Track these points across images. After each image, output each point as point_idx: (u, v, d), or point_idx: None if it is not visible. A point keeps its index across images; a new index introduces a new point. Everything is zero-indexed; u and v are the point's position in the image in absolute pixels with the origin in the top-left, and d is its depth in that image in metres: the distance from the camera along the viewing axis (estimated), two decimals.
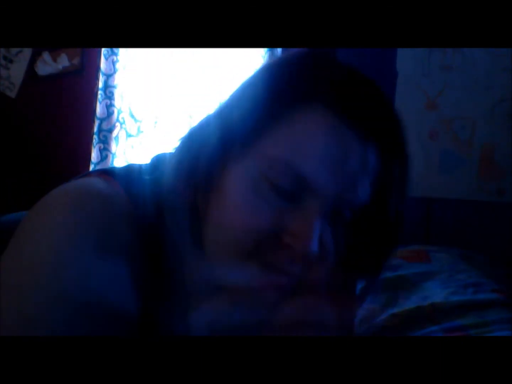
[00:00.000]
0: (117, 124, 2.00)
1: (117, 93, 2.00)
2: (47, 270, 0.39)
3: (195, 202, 0.45)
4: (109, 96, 2.01)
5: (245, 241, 0.42)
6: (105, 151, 2.01)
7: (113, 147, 2.01)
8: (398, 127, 0.45)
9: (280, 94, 0.44)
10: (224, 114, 0.46)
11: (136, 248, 0.44)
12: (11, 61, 2.28)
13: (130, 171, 0.49)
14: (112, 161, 2.00)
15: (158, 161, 0.50)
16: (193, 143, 0.47)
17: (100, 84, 2.03)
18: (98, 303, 0.40)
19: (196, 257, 0.47)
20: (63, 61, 2.21)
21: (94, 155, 2.02)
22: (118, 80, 2.01)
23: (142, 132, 2.03)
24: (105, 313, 0.40)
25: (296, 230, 0.41)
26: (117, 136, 2.01)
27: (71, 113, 2.20)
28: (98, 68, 2.06)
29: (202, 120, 0.49)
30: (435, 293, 0.96)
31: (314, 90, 0.43)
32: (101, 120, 2.02)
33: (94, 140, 2.03)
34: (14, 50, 2.28)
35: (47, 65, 2.24)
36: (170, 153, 0.49)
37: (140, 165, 0.51)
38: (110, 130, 2.01)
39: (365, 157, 0.43)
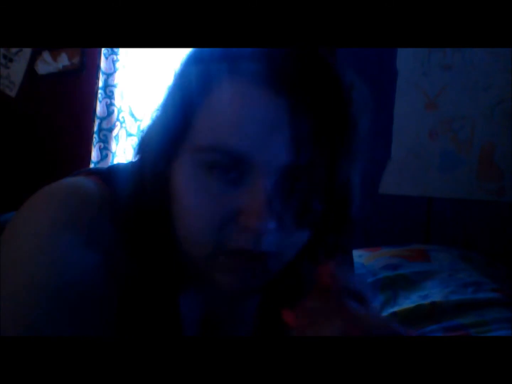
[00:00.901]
0: (117, 123, 2.00)
1: (117, 92, 2.00)
2: (29, 267, 0.39)
3: (156, 206, 0.46)
4: (109, 95, 2.01)
5: (205, 238, 0.43)
6: (105, 150, 2.01)
7: (113, 146, 2.01)
8: (322, 81, 0.42)
9: (193, 82, 0.44)
10: (157, 116, 0.47)
11: (118, 242, 0.45)
12: (11, 60, 2.28)
13: (117, 171, 0.50)
14: (112, 160, 2.00)
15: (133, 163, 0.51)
16: (142, 145, 0.48)
17: (100, 83, 2.03)
18: (81, 296, 0.40)
19: (174, 252, 0.48)
20: (63, 60, 2.21)
21: (94, 154, 2.02)
22: (118, 79, 2.01)
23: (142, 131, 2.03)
24: (89, 304, 0.41)
25: (246, 208, 0.41)
26: (117, 135, 2.01)
27: (71, 112, 2.20)
28: (98, 67, 2.06)
29: (148, 123, 0.49)
30: (435, 292, 0.97)
31: (224, 66, 0.43)
32: (101, 119, 2.02)
33: (94, 139, 2.03)
34: (14, 49, 2.28)
35: (47, 64, 2.24)
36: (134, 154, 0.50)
37: (125, 164, 0.52)
38: (110, 129, 2.01)
39: (292, 119, 0.41)
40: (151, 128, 0.48)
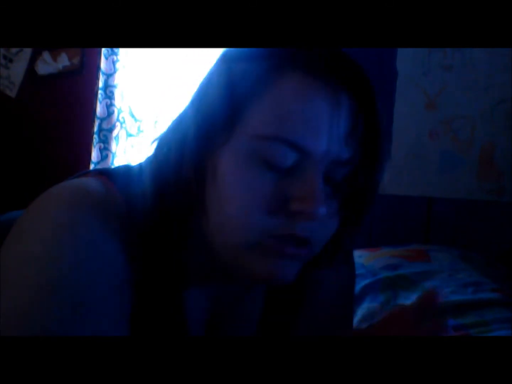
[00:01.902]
0: (117, 123, 2.01)
1: (117, 93, 2.00)
2: (39, 268, 0.39)
3: (188, 197, 0.46)
4: (109, 95, 2.02)
5: (254, 223, 0.43)
6: (105, 150, 2.02)
7: (113, 146, 2.01)
8: (369, 80, 0.46)
9: (255, 70, 0.44)
10: (201, 102, 0.46)
11: (130, 246, 0.44)
12: (11, 61, 2.28)
13: (125, 172, 0.50)
14: (112, 160, 2.00)
15: (151, 161, 0.50)
16: (174, 138, 0.47)
17: (100, 84, 2.03)
18: (90, 299, 0.40)
19: (197, 250, 0.48)
20: (63, 61, 2.21)
21: (94, 155, 2.02)
22: (118, 79, 2.01)
23: (142, 131, 2.03)
24: (98, 308, 0.40)
25: (302, 195, 0.42)
26: (117, 136, 2.01)
27: (71, 113, 2.20)
28: (98, 67, 2.06)
29: (179, 114, 0.49)
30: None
31: (287, 59, 0.44)
32: (101, 119, 2.02)
33: (94, 140, 2.03)
34: (14, 49, 2.28)
35: (47, 65, 2.24)
36: (156, 152, 0.49)
37: (135, 166, 0.51)
38: (110, 130, 2.01)
39: (348, 113, 0.44)
40: (182, 122, 0.47)
